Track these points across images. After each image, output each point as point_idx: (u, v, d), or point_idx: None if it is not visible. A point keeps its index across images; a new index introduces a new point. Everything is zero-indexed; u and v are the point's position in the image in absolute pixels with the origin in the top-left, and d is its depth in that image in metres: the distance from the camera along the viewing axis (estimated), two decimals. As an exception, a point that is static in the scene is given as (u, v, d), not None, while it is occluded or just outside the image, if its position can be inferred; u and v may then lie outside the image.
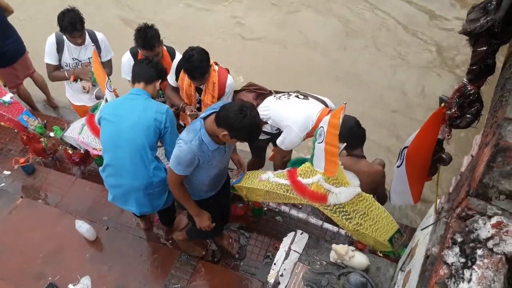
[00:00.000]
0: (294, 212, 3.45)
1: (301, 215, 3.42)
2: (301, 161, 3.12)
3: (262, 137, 3.47)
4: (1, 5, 4.26)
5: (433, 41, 6.58)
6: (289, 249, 2.99)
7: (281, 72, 5.99)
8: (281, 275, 2.84)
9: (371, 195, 2.89)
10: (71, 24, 3.50)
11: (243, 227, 3.76)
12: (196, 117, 3.35)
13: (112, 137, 2.82)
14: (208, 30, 6.83)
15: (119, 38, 5.18)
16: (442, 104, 1.81)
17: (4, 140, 4.71)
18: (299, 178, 2.97)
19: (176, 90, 3.56)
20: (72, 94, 4.15)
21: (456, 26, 6.57)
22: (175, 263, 3.38)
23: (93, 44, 3.74)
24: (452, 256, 1.33)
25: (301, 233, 3.09)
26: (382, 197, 3.43)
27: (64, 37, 3.68)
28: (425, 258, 2.02)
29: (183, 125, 3.72)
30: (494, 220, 1.31)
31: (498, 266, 1.25)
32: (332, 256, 2.85)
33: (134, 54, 3.61)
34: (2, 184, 4.12)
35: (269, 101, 3.37)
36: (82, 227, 3.45)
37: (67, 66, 3.85)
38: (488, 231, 1.31)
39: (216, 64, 3.41)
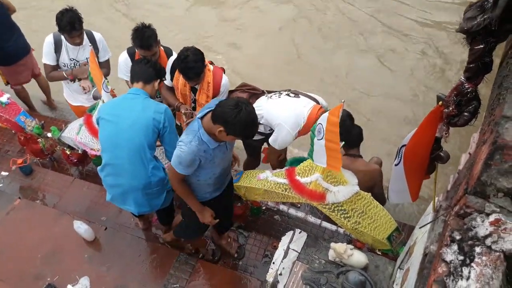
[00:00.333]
0: (292, 211, 3.46)
1: (300, 214, 3.42)
2: (299, 160, 3.12)
3: (257, 137, 3.47)
4: (4, 3, 4.26)
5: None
6: (288, 248, 2.99)
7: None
8: (280, 274, 2.84)
9: (369, 194, 2.90)
10: (70, 24, 3.49)
11: (242, 226, 3.77)
12: (192, 116, 3.35)
13: (111, 137, 2.82)
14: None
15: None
16: (440, 102, 1.82)
17: (2, 141, 4.71)
18: (297, 177, 2.97)
19: (171, 89, 3.56)
20: (70, 94, 4.14)
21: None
22: (174, 263, 3.37)
23: (90, 44, 3.74)
24: (451, 254, 1.33)
25: (300, 232, 3.09)
26: (380, 197, 3.43)
27: (62, 37, 3.68)
28: (424, 256, 2.02)
29: (179, 124, 3.71)
30: (492, 217, 1.31)
31: (496, 263, 1.26)
32: (331, 255, 2.86)
33: (131, 54, 3.61)
34: (0, 185, 4.11)
35: (261, 101, 3.39)
36: (81, 227, 3.44)
37: (65, 66, 3.84)
38: (486, 229, 1.31)
39: (211, 63, 3.41)
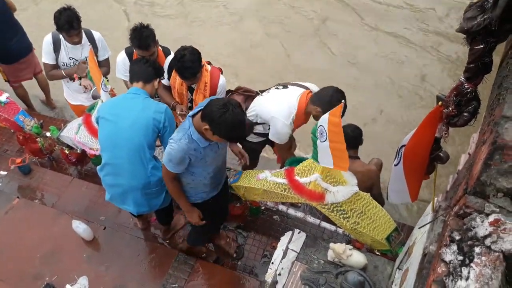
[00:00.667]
0: (291, 211, 3.45)
1: (299, 214, 3.42)
2: (298, 160, 3.11)
3: (257, 139, 3.47)
4: (6, 2, 4.28)
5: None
6: (287, 248, 2.99)
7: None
8: (279, 274, 2.84)
9: (368, 194, 2.90)
10: (68, 23, 3.49)
11: (241, 226, 3.77)
12: None
13: (111, 136, 2.82)
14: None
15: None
16: (440, 103, 1.81)
17: (0, 140, 4.71)
18: (297, 177, 2.97)
19: (168, 89, 3.56)
20: (69, 93, 4.14)
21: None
22: (173, 263, 3.37)
23: (89, 43, 3.73)
24: (450, 254, 1.33)
25: (299, 232, 3.09)
26: (379, 198, 3.43)
27: (61, 36, 3.67)
28: (423, 256, 2.02)
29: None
30: (491, 217, 1.31)
31: (496, 263, 1.26)
32: (330, 255, 2.85)
33: (129, 54, 3.61)
34: (-1, 184, 4.11)
35: (255, 101, 3.39)
36: (79, 227, 3.43)
37: (64, 65, 3.83)
38: (486, 229, 1.31)
39: (209, 63, 3.40)
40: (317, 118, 2.94)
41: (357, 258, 2.78)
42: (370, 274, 2.75)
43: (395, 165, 2.32)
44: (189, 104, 3.51)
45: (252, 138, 3.47)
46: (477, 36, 1.53)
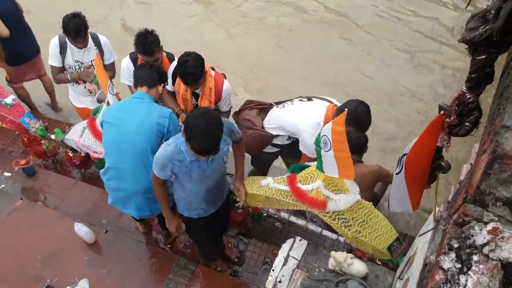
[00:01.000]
0: (293, 218, 3.45)
1: (300, 221, 3.42)
2: (300, 168, 3.12)
3: (272, 150, 3.48)
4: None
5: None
6: (288, 255, 2.99)
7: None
8: (279, 282, 2.84)
9: (371, 203, 2.90)
10: (75, 31, 3.55)
11: (242, 232, 3.76)
12: None
13: (115, 141, 2.83)
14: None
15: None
16: (441, 112, 1.82)
17: (5, 141, 4.74)
18: (299, 185, 2.97)
19: (173, 94, 3.58)
20: (75, 96, 4.18)
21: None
22: (174, 268, 3.37)
23: (95, 47, 3.78)
24: (448, 262, 1.33)
25: (300, 240, 3.09)
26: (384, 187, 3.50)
27: (67, 39, 3.72)
28: (424, 266, 2.02)
29: None
30: (490, 226, 1.31)
31: (493, 272, 1.26)
32: (331, 263, 2.85)
33: (133, 59, 3.64)
34: (2, 186, 4.13)
35: (274, 113, 3.39)
36: (81, 229, 3.45)
37: (70, 68, 3.88)
38: (484, 237, 1.31)
39: (213, 69, 3.43)
40: None
41: (358, 267, 2.77)
42: (370, 284, 2.74)
43: (397, 174, 2.32)
44: None
45: (268, 149, 3.49)
46: (479, 46, 1.54)
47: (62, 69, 3.89)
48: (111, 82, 3.40)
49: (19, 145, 4.55)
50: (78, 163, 4.14)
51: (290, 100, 3.41)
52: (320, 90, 4.40)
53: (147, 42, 3.31)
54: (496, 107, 1.68)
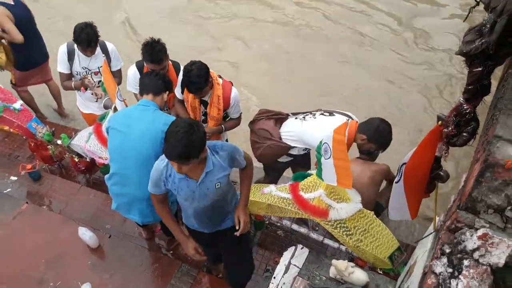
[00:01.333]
0: (295, 226, 3.46)
1: (302, 230, 3.43)
2: (303, 176, 3.14)
3: (285, 159, 3.48)
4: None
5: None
6: (289, 263, 3.00)
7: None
8: (280, 289, 2.85)
9: (372, 212, 2.91)
10: (87, 41, 3.61)
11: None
12: None
13: (121, 147, 2.86)
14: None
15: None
16: (440, 122, 1.85)
17: (12, 146, 4.80)
18: (301, 193, 2.98)
19: (183, 102, 3.62)
20: (82, 102, 4.24)
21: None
22: (175, 273, 3.39)
23: (103, 54, 3.83)
24: (440, 266, 1.36)
25: (302, 248, 3.10)
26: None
27: (75, 46, 3.78)
28: (423, 275, 2.03)
29: None
30: (480, 232, 1.34)
31: (483, 276, 1.28)
32: (332, 272, 2.86)
33: (140, 67, 3.67)
34: (9, 189, 4.18)
35: (293, 125, 3.34)
36: (85, 234, 3.48)
37: (77, 74, 3.93)
38: (475, 243, 1.34)
39: (220, 77, 3.46)
40: (361, 146, 3.08)
41: (359, 275, 2.77)
42: (371, 292, 2.75)
43: (396, 182, 2.34)
44: (203, 117, 3.57)
45: (282, 158, 3.49)
46: (475, 59, 1.58)
47: (70, 75, 3.95)
48: (119, 88, 3.45)
49: (26, 150, 4.61)
50: (83, 168, 4.17)
51: (311, 112, 3.36)
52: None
53: (154, 51, 3.34)
54: (490, 118, 1.71)
